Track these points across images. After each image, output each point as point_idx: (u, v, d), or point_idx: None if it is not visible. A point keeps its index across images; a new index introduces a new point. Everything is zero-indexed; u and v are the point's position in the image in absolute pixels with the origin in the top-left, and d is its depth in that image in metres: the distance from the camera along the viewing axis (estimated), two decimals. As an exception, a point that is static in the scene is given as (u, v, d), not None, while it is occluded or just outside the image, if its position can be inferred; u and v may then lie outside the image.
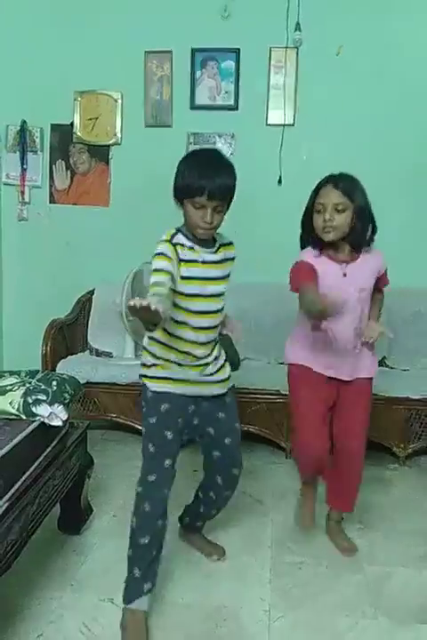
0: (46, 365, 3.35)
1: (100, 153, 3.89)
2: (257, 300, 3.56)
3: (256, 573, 2.26)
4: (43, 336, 3.41)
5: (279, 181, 3.72)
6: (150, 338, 2.00)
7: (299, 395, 2.32)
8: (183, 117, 3.77)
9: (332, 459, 2.33)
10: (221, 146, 3.76)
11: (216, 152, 1.97)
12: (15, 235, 4.01)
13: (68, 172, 3.94)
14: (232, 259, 2.06)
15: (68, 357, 3.54)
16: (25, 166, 3.92)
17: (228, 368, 2.14)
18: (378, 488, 2.95)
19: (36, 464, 2.05)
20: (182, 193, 1.88)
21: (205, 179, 1.81)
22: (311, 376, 2.28)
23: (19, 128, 3.88)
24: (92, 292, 3.87)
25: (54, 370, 3.31)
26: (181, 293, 1.92)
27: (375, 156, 3.56)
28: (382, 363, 3.42)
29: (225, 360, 2.13)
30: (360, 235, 2.14)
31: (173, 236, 1.91)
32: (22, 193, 3.95)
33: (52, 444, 2.20)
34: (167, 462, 1.96)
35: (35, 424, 2.09)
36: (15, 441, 1.93)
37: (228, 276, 2.02)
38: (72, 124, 3.87)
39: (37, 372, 2.36)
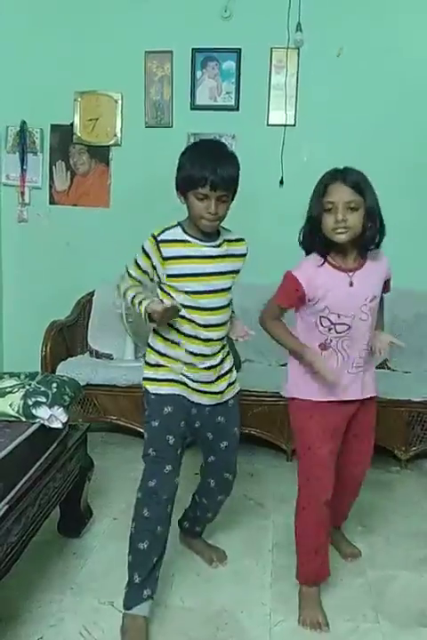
0: (46, 367, 3.33)
1: (101, 154, 3.88)
2: (258, 301, 3.50)
3: (257, 577, 2.25)
4: (42, 337, 3.40)
5: (281, 182, 3.71)
6: (155, 332, 2.00)
7: (305, 435, 2.05)
8: (184, 118, 3.76)
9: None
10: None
11: (218, 142, 1.99)
12: (15, 236, 4.00)
13: (68, 172, 3.93)
14: (241, 255, 2.03)
15: (68, 359, 3.53)
16: (25, 167, 3.90)
17: (234, 374, 2.13)
18: (380, 491, 2.94)
19: (35, 466, 2.04)
20: (185, 185, 1.86)
21: (208, 169, 1.80)
22: (318, 407, 2.02)
23: (18, 129, 3.86)
24: (92, 294, 3.86)
25: (54, 371, 3.30)
26: (185, 291, 1.91)
27: (376, 157, 3.54)
28: (383, 365, 3.41)
29: (232, 366, 2.12)
30: (373, 235, 1.93)
31: (161, 233, 1.90)
32: (22, 194, 3.94)
33: (52, 447, 2.19)
34: (168, 468, 1.94)
35: (35, 426, 2.08)
36: (15, 443, 1.93)
37: (234, 271, 2.00)
38: (72, 124, 3.86)
39: (37, 373, 2.35)
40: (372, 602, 2.12)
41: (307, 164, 3.64)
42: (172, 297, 1.91)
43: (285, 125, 3.69)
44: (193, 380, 1.99)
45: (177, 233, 1.91)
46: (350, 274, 1.95)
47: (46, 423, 2.11)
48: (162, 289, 1.96)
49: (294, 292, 1.95)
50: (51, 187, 3.95)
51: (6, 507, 1.76)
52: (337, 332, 1.97)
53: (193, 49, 3.70)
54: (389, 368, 3.49)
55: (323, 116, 3.65)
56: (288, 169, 3.70)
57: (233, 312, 2.14)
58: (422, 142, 3.61)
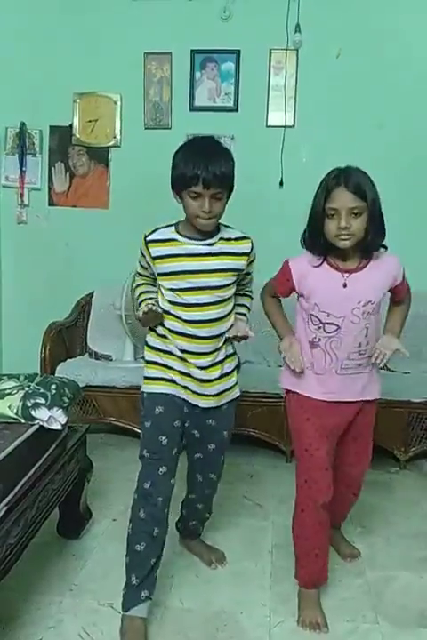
0: (45, 368, 3.33)
1: (100, 155, 3.88)
2: (259, 302, 3.54)
3: (257, 578, 2.25)
4: (42, 339, 3.40)
5: (281, 183, 3.71)
6: (150, 328, 2.02)
7: (302, 437, 2.03)
8: (183, 119, 3.76)
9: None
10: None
11: (211, 139, 1.94)
12: (14, 237, 3.99)
13: (68, 174, 3.93)
14: (242, 254, 1.99)
15: (68, 360, 3.53)
16: (24, 168, 3.91)
17: (234, 378, 2.10)
18: (379, 491, 2.93)
19: (35, 468, 2.03)
20: (179, 184, 1.86)
21: (200, 167, 1.78)
22: (314, 407, 2.01)
23: (18, 130, 3.87)
24: (91, 295, 3.86)
25: (53, 373, 3.30)
26: (171, 289, 1.94)
27: (376, 158, 3.52)
28: (383, 365, 3.40)
29: (234, 369, 2.10)
30: (375, 237, 1.90)
31: (152, 233, 1.95)
32: (21, 195, 3.94)
33: (52, 448, 2.19)
34: (162, 469, 1.93)
35: (34, 428, 2.08)
36: (14, 445, 1.92)
37: (231, 269, 1.96)
38: (71, 126, 3.86)
39: (36, 375, 2.35)
40: (371, 602, 2.11)
41: (306, 165, 3.65)
42: (162, 294, 1.97)
43: (284, 126, 3.69)
44: (186, 377, 1.98)
45: (167, 232, 1.94)
46: (346, 275, 1.93)
47: (45, 425, 2.11)
48: (158, 286, 2.01)
49: (286, 281, 2.00)
50: (50, 188, 3.95)
51: (5, 508, 1.76)
52: (326, 332, 1.95)
53: (192, 50, 3.70)
54: (388, 369, 3.47)
55: (322, 117, 3.65)
56: (288, 170, 3.70)
57: (243, 313, 2.13)
58: (422, 143, 3.61)
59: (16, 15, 3.81)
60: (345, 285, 1.92)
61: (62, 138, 3.89)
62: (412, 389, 3.17)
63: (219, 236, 1.95)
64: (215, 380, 2.01)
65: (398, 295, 2.07)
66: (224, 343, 2.03)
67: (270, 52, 3.66)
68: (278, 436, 3.26)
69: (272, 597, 2.13)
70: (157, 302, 1.98)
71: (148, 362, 2.04)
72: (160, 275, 1.96)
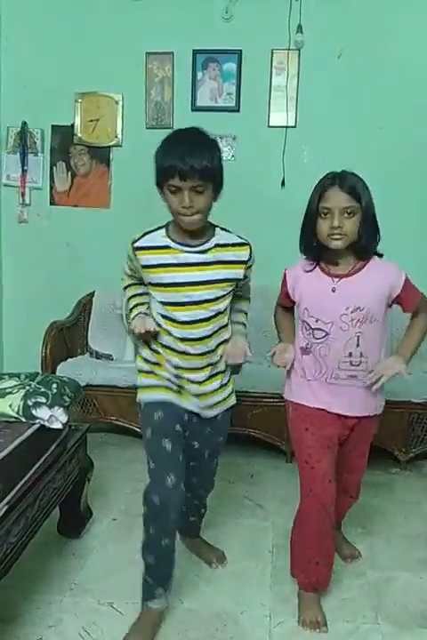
0: (46, 368, 3.33)
1: (101, 154, 3.88)
2: (259, 303, 3.52)
3: (257, 578, 2.25)
4: (42, 338, 3.40)
5: (282, 183, 3.71)
6: (144, 343, 1.95)
7: (302, 447, 2.01)
8: (184, 119, 3.74)
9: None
10: (223, 148, 3.73)
11: (193, 130, 1.80)
12: (15, 236, 4.00)
13: (69, 173, 3.93)
14: (240, 262, 1.87)
15: (68, 360, 3.53)
16: (25, 168, 3.91)
17: (229, 389, 2.03)
18: (379, 492, 2.93)
19: (35, 467, 2.03)
20: (159, 179, 1.76)
21: (176, 158, 1.68)
22: (311, 416, 1.98)
23: (19, 129, 3.87)
24: (92, 295, 3.86)
25: (54, 372, 3.30)
26: (162, 302, 1.84)
27: (377, 158, 3.54)
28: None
29: (227, 382, 2.02)
30: (369, 240, 1.88)
31: (140, 238, 1.85)
32: (22, 194, 3.94)
33: (52, 447, 2.19)
34: (171, 480, 1.81)
35: (34, 427, 2.07)
36: (15, 444, 1.92)
37: (227, 280, 1.84)
38: (73, 125, 3.86)
39: (37, 374, 2.34)
40: (372, 603, 2.11)
41: (308, 165, 3.65)
42: (153, 305, 1.88)
43: (286, 127, 3.69)
44: (180, 381, 1.91)
45: (157, 237, 1.83)
46: (336, 280, 1.90)
47: (46, 424, 2.11)
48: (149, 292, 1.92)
49: (285, 290, 2.03)
50: (51, 187, 3.95)
51: (6, 507, 1.76)
52: (315, 338, 1.93)
53: (194, 50, 3.70)
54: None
55: (324, 118, 3.65)
56: (289, 170, 3.70)
57: (242, 323, 2.05)
58: (423, 143, 3.61)
59: (18, 15, 3.81)
60: (334, 290, 1.89)
61: (64, 137, 3.89)
62: (412, 390, 3.17)
63: (214, 241, 1.82)
64: (211, 392, 1.95)
65: (407, 306, 1.97)
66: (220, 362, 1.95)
67: (272, 53, 3.66)
68: (279, 436, 3.26)
69: (272, 597, 2.13)
70: (151, 312, 1.90)
71: (141, 371, 1.97)
72: (151, 285, 1.86)
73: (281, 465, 3.25)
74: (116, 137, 3.85)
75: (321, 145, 3.65)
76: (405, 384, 3.21)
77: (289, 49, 3.62)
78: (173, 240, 1.81)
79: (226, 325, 1.94)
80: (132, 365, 3.43)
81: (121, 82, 3.78)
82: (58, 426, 2.14)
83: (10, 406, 2.08)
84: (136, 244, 1.83)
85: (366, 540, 2.52)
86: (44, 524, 2.06)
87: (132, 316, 1.95)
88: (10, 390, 2.15)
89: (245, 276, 1.96)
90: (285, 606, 2.07)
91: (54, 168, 3.93)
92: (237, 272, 1.86)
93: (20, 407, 2.08)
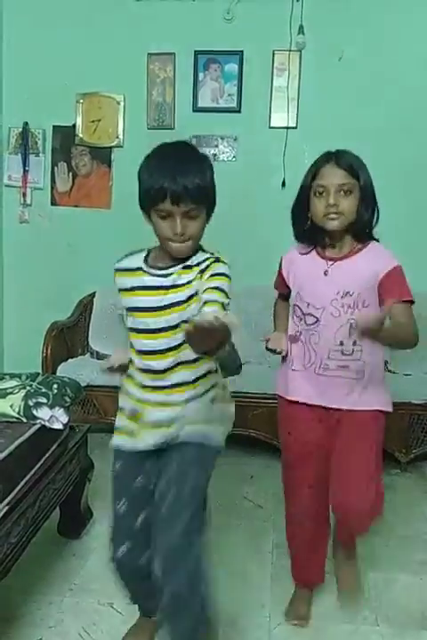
0: (47, 368, 3.34)
1: (102, 155, 3.89)
2: (259, 304, 3.54)
3: (257, 579, 2.25)
4: (43, 338, 3.40)
5: (283, 184, 3.71)
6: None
7: (285, 451, 1.97)
8: (186, 120, 3.76)
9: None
10: (224, 148, 3.77)
11: (182, 144, 1.59)
12: (16, 237, 4.00)
13: (70, 174, 3.93)
14: (198, 271, 1.52)
15: (69, 360, 3.53)
16: (27, 168, 3.91)
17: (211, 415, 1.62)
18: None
19: (36, 467, 2.04)
20: (145, 202, 1.52)
21: (166, 178, 1.44)
22: (295, 419, 1.89)
23: (21, 130, 3.88)
24: (93, 295, 3.86)
25: (55, 372, 3.30)
26: (132, 329, 1.62)
27: (378, 159, 3.50)
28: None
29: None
30: (367, 220, 1.74)
31: (122, 260, 1.67)
32: (24, 195, 3.95)
33: (53, 448, 2.19)
34: (122, 549, 1.63)
35: (35, 427, 2.08)
36: (15, 444, 1.93)
37: (183, 302, 1.51)
38: (74, 126, 3.87)
39: (38, 374, 2.35)
40: (371, 604, 2.11)
41: (308, 166, 3.64)
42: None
43: (287, 128, 3.70)
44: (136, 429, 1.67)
45: (135, 260, 1.62)
46: (330, 263, 1.78)
47: (47, 424, 2.11)
48: None
49: (280, 276, 1.93)
50: (52, 188, 3.96)
51: (6, 507, 1.77)
52: (306, 324, 1.81)
53: (195, 51, 3.71)
54: (389, 370, 3.47)
55: (325, 119, 3.65)
56: (290, 171, 3.70)
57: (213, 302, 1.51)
58: (424, 144, 3.61)
59: (19, 16, 3.82)
60: (326, 273, 1.77)
61: (65, 138, 3.90)
62: (413, 391, 3.17)
63: (185, 263, 1.54)
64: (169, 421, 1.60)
65: (384, 295, 1.72)
66: (196, 382, 1.59)
67: (273, 54, 3.67)
68: (278, 436, 3.25)
69: (272, 598, 2.13)
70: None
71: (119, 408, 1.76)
72: (128, 310, 1.63)
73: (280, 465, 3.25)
74: (118, 137, 3.85)
75: (322, 146, 3.59)
76: (405, 385, 3.24)
77: (290, 50, 3.62)
78: (147, 262, 1.60)
79: (196, 359, 1.55)
80: (132, 366, 3.45)
81: (122, 82, 3.78)
82: (58, 426, 2.15)
83: (11, 406, 2.09)
84: (116, 266, 1.67)
85: (365, 540, 2.51)
86: (44, 525, 2.06)
87: None
88: (11, 390, 2.15)
89: (214, 287, 1.49)
90: (284, 607, 2.07)
91: (55, 168, 3.94)
92: (195, 285, 1.51)
93: (21, 407, 2.09)
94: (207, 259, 1.53)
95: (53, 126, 3.90)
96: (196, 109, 3.77)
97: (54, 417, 2.13)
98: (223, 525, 2.54)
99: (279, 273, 1.94)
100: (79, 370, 3.30)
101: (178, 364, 1.55)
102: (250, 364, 3.43)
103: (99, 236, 3.89)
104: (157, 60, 3.76)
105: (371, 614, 2.06)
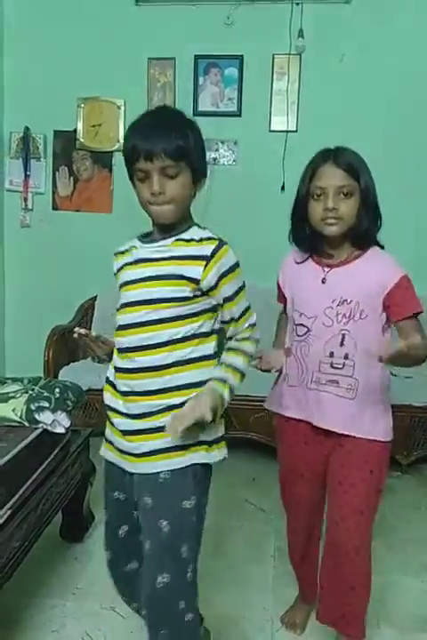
0: (49, 372, 3.34)
1: (103, 159, 3.90)
2: (260, 307, 3.54)
3: (259, 582, 2.26)
4: (45, 343, 3.41)
5: (282, 188, 3.72)
6: None
7: (280, 468, 1.88)
8: (186, 124, 3.77)
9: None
10: (224, 152, 3.78)
11: (163, 108, 1.54)
12: (18, 241, 4.02)
13: (71, 178, 3.95)
14: (199, 257, 1.39)
15: (71, 364, 3.53)
16: (28, 173, 3.92)
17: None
18: (382, 495, 2.93)
19: (38, 471, 2.04)
20: (127, 167, 1.45)
21: (140, 137, 1.38)
22: (288, 434, 1.79)
23: (22, 135, 3.89)
24: (94, 299, 3.87)
25: (57, 376, 3.30)
26: (118, 308, 1.54)
27: (378, 162, 3.51)
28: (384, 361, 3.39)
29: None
30: (368, 225, 1.62)
31: (122, 245, 1.57)
32: (25, 199, 3.96)
33: (55, 452, 2.20)
34: (108, 555, 1.58)
35: (37, 431, 2.09)
36: (18, 448, 1.93)
37: (178, 277, 1.39)
38: (75, 130, 3.88)
39: (40, 378, 2.36)
40: (373, 607, 2.09)
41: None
42: None
43: (286, 131, 3.71)
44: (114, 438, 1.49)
45: (131, 241, 1.54)
46: (327, 269, 1.66)
47: (49, 428, 2.12)
48: None
49: (277, 286, 1.83)
50: (54, 192, 3.97)
51: (9, 512, 1.77)
52: (297, 335, 1.70)
53: (195, 56, 3.73)
54: (390, 373, 3.48)
55: (324, 122, 3.65)
56: (290, 174, 3.70)
57: (220, 381, 1.43)
58: (424, 147, 3.62)
59: (20, 21, 3.83)
60: (324, 281, 1.66)
61: (66, 142, 3.91)
62: (414, 393, 3.17)
63: (178, 236, 1.43)
64: (144, 432, 1.42)
65: (394, 314, 1.62)
66: (184, 390, 1.41)
67: (273, 58, 3.68)
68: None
69: (274, 602, 2.14)
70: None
71: None
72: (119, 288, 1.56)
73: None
74: (118, 142, 3.86)
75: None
76: (406, 388, 3.24)
77: (290, 54, 3.63)
78: (139, 239, 1.51)
79: (183, 357, 1.41)
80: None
81: (123, 87, 3.79)
82: (60, 430, 2.15)
83: (13, 411, 2.10)
84: (116, 249, 1.58)
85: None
86: (46, 529, 2.07)
87: None
88: (13, 395, 2.16)
89: (227, 298, 1.45)
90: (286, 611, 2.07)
91: (57, 173, 3.95)
92: (192, 269, 1.39)
93: (24, 411, 2.09)
94: (210, 239, 1.42)
95: (54, 131, 3.91)
96: (196, 114, 3.77)
97: (56, 421, 2.14)
98: (225, 528, 2.54)
99: (277, 284, 1.84)
100: (81, 374, 3.29)
101: (166, 343, 1.42)
102: (251, 368, 3.44)
103: (100, 240, 3.88)
104: (157, 65, 3.77)
105: (373, 617, 2.05)
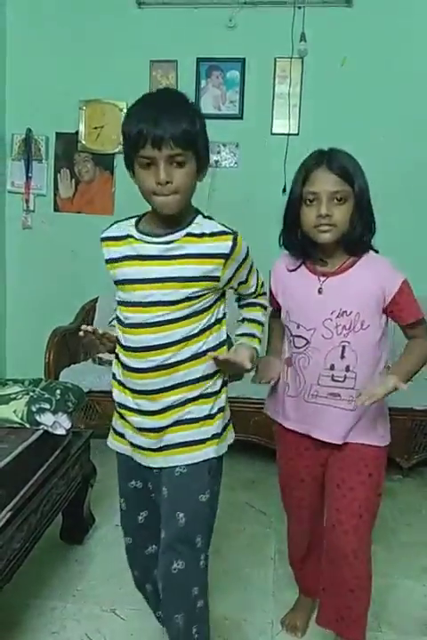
0: (50, 374, 3.34)
1: (105, 161, 3.91)
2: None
3: (259, 585, 2.26)
4: (46, 344, 3.41)
5: (284, 190, 3.72)
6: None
7: (279, 474, 1.88)
8: (188, 126, 3.77)
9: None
10: (226, 155, 3.78)
11: (166, 89, 1.50)
12: (19, 243, 4.02)
13: (73, 180, 3.95)
14: (218, 255, 1.39)
15: (72, 366, 3.53)
16: (30, 174, 3.93)
17: (203, 428, 1.45)
18: (381, 499, 2.93)
19: (39, 473, 2.04)
20: (127, 152, 1.39)
21: (146, 121, 1.31)
22: (287, 441, 1.78)
23: (24, 136, 3.89)
24: (95, 301, 3.87)
25: (58, 378, 3.30)
26: (117, 302, 1.49)
27: (379, 165, 3.54)
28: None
29: (206, 415, 1.46)
30: (362, 231, 1.58)
31: (109, 228, 1.50)
32: (27, 201, 3.96)
33: (56, 453, 2.20)
34: (127, 540, 1.65)
35: (38, 433, 2.09)
36: (19, 450, 1.93)
37: (193, 278, 1.38)
38: (77, 132, 3.89)
39: (41, 380, 2.36)
40: (374, 610, 2.10)
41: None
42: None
43: (288, 134, 3.71)
44: (127, 433, 1.53)
45: (124, 227, 1.46)
46: (323, 279, 1.62)
47: (50, 430, 2.12)
48: None
49: (269, 292, 1.76)
50: (55, 194, 3.97)
51: (9, 513, 1.77)
52: (296, 347, 1.67)
53: (198, 58, 3.73)
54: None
55: (326, 125, 3.65)
56: (291, 178, 3.65)
57: (251, 334, 1.58)
58: (425, 150, 3.62)
59: (23, 23, 3.84)
60: (320, 291, 1.61)
61: (68, 144, 3.92)
62: (414, 397, 3.16)
63: (188, 230, 1.39)
64: (162, 429, 1.45)
65: (402, 318, 1.62)
66: (198, 383, 1.44)
67: (275, 61, 3.68)
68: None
69: (275, 604, 2.14)
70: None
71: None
72: (116, 283, 1.48)
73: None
74: (120, 144, 3.84)
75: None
76: (407, 391, 3.22)
77: (292, 57, 3.63)
78: (138, 229, 1.44)
79: (199, 348, 1.43)
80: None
81: (125, 89, 3.78)
82: (61, 432, 2.15)
83: (14, 412, 2.10)
84: (103, 234, 1.49)
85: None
86: (46, 531, 2.07)
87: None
88: (14, 396, 2.16)
89: (242, 281, 1.52)
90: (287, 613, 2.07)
91: (58, 175, 3.96)
92: (213, 268, 1.38)
93: (24, 413, 2.09)
94: (223, 234, 1.40)
95: (56, 133, 3.92)
96: (198, 116, 3.78)
97: (57, 422, 2.14)
98: (226, 531, 2.54)
99: (270, 290, 1.76)
100: (82, 375, 3.30)
101: (180, 340, 1.42)
102: (251, 370, 3.44)
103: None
104: (159, 68, 3.78)
105: (374, 620, 2.05)
